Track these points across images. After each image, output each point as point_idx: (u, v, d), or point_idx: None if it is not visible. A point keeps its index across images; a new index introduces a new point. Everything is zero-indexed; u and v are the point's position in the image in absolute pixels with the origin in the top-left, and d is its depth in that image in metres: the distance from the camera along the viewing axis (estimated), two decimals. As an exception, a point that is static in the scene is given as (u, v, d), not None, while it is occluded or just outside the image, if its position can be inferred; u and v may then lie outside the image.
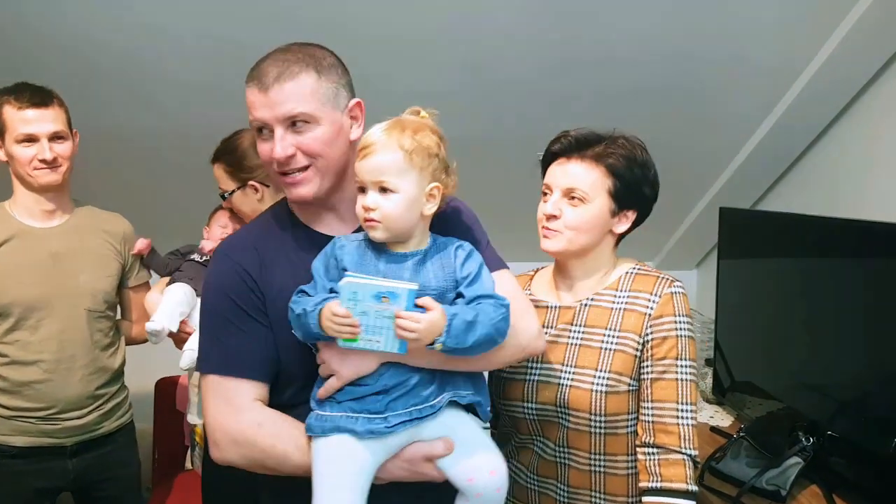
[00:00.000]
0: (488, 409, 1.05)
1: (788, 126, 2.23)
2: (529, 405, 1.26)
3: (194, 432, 1.98)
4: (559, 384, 1.23)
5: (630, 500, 1.24)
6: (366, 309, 0.92)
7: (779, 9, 1.89)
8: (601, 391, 1.20)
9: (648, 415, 1.19)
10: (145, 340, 1.89)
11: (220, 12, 1.85)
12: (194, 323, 1.76)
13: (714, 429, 1.95)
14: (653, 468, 1.17)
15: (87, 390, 1.69)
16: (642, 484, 1.17)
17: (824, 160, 2.28)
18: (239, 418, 1.01)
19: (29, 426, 1.65)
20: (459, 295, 0.99)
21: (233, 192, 1.70)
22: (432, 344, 0.92)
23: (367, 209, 0.96)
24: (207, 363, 1.05)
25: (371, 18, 1.86)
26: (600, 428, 1.21)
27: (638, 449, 1.20)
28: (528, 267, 1.44)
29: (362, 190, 0.98)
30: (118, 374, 1.80)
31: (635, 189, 1.25)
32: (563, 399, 1.22)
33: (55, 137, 1.63)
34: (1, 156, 1.65)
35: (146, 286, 1.89)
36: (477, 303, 0.97)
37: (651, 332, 1.21)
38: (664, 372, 1.19)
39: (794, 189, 2.44)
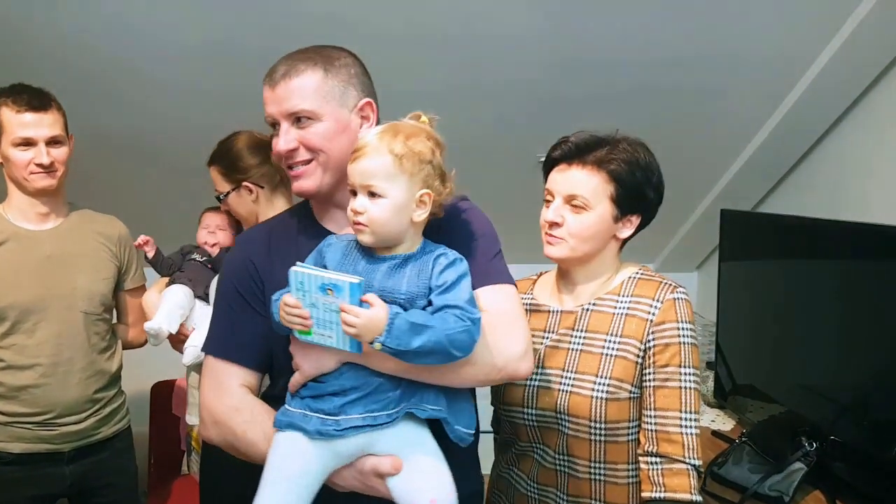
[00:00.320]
0: (463, 429, 0.99)
1: (790, 128, 2.22)
2: (529, 411, 1.25)
3: (190, 436, 1.97)
4: (559, 390, 1.22)
5: None
6: (314, 301, 0.92)
7: (782, 10, 1.87)
8: (601, 398, 1.18)
9: (651, 423, 1.17)
10: (142, 345, 1.90)
11: (216, 16, 1.84)
12: (193, 324, 1.75)
13: (715, 433, 1.93)
14: (656, 478, 1.15)
15: (85, 394, 1.68)
16: (645, 494, 1.16)
17: (827, 162, 2.27)
18: (222, 400, 1.06)
19: (25, 432, 1.63)
20: (431, 303, 0.97)
21: (228, 193, 1.71)
22: (373, 343, 0.90)
23: (355, 212, 0.97)
24: (207, 343, 1.12)
25: (371, 19, 1.85)
26: (600, 435, 1.20)
27: (640, 458, 1.18)
28: (527, 269, 1.42)
29: (354, 192, 0.98)
30: (115, 378, 1.79)
31: (638, 194, 1.23)
32: (563, 405, 1.20)
33: (52, 142, 1.62)
34: None
35: (142, 289, 1.88)
36: (443, 312, 0.94)
37: (653, 339, 1.19)
38: (667, 379, 1.17)
39: (796, 191, 2.43)
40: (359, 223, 0.96)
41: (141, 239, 1.79)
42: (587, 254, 1.24)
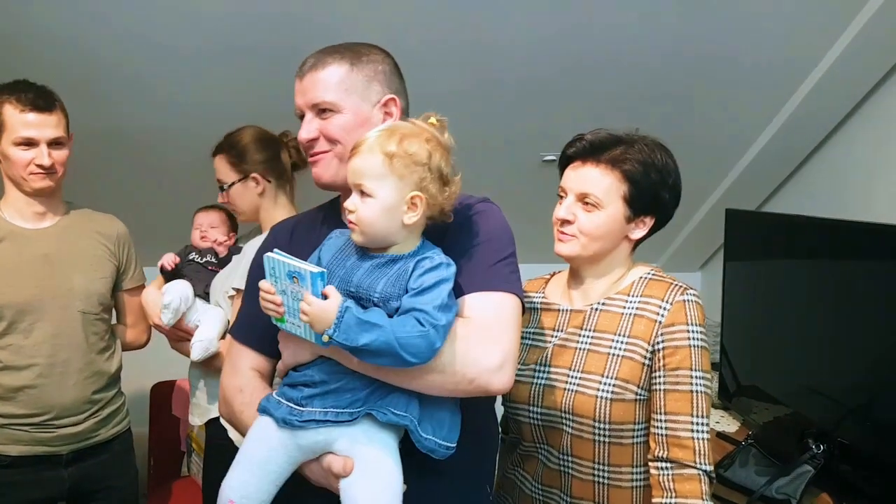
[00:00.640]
0: (437, 440, 0.95)
1: (796, 127, 2.21)
2: (535, 409, 1.23)
3: (190, 437, 1.95)
4: (565, 389, 1.20)
5: None
6: (284, 288, 0.94)
7: (787, 9, 1.87)
8: (606, 398, 1.17)
9: (661, 427, 1.16)
10: (142, 345, 1.90)
11: (217, 20, 1.83)
12: (197, 321, 1.74)
13: (721, 434, 1.92)
14: (667, 483, 1.13)
15: (83, 395, 1.66)
16: (655, 500, 1.14)
17: (832, 162, 2.26)
18: (231, 380, 1.11)
19: (23, 434, 1.61)
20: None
21: (233, 184, 1.70)
22: (323, 335, 0.91)
23: (348, 210, 0.97)
24: (232, 325, 1.20)
25: (379, 21, 1.84)
26: (604, 436, 1.18)
27: (650, 463, 1.17)
28: (536, 269, 1.41)
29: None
30: (115, 379, 1.77)
31: (652, 195, 1.21)
32: (568, 404, 1.19)
33: (54, 143, 1.60)
34: None
35: (142, 289, 1.86)
36: (406, 315, 0.91)
37: (662, 341, 1.17)
38: (677, 383, 1.16)
39: (802, 191, 2.42)
40: (350, 221, 0.97)
41: (166, 261, 1.79)
42: (597, 253, 1.23)
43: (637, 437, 1.19)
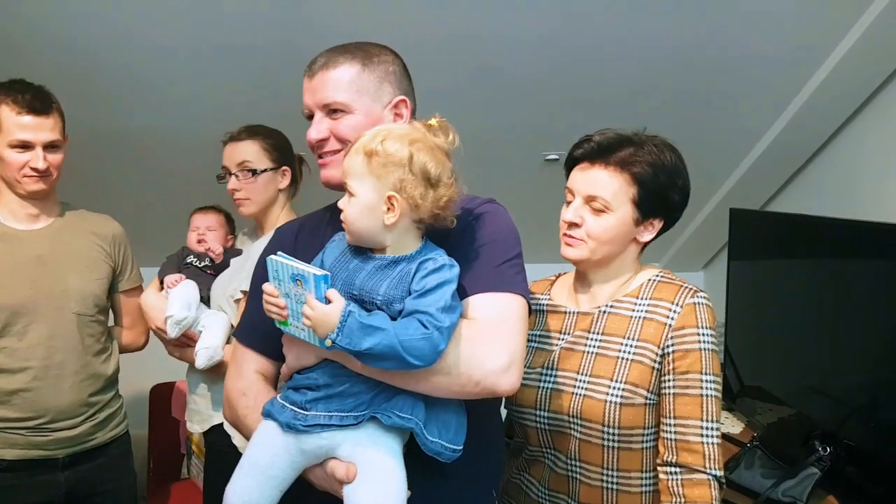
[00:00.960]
0: (444, 443, 0.94)
1: (801, 126, 2.20)
2: (542, 413, 1.21)
3: (190, 440, 1.93)
4: (573, 393, 1.18)
5: None
6: (287, 290, 0.93)
7: (792, 7, 1.86)
8: (616, 402, 1.15)
9: (671, 432, 1.14)
10: (140, 348, 1.87)
11: (216, 21, 1.82)
12: (200, 327, 1.71)
13: (725, 436, 1.91)
14: (676, 488, 1.12)
15: (79, 398, 1.64)
16: (665, 505, 1.13)
17: (838, 161, 2.24)
18: (235, 382, 1.10)
19: (18, 438, 1.59)
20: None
21: (265, 170, 1.68)
22: (326, 339, 0.90)
23: (340, 209, 0.97)
24: (237, 328, 1.19)
25: (379, 20, 1.83)
26: (613, 441, 1.16)
27: (659, 468, 1.15)
28: (540, 270, 1.39)
29: None
30: (112, 382, 1.75)
31: (661, 197, 1.19)
32: (576, 409, 1.17)
33: (50, 146, 1.58)
34: None
35: (139, 290, 1.84)
36: (410, 317, 0.90)
37: (672, 345, 1.16)
38: (687, 387, 1.14)
39: (806, 190, 2.41)
40: (343, 220, 0.97)
41: (171, 281, 1.76)
42: (606, 256, 1.21)
43: (647, 441, 1.17)
